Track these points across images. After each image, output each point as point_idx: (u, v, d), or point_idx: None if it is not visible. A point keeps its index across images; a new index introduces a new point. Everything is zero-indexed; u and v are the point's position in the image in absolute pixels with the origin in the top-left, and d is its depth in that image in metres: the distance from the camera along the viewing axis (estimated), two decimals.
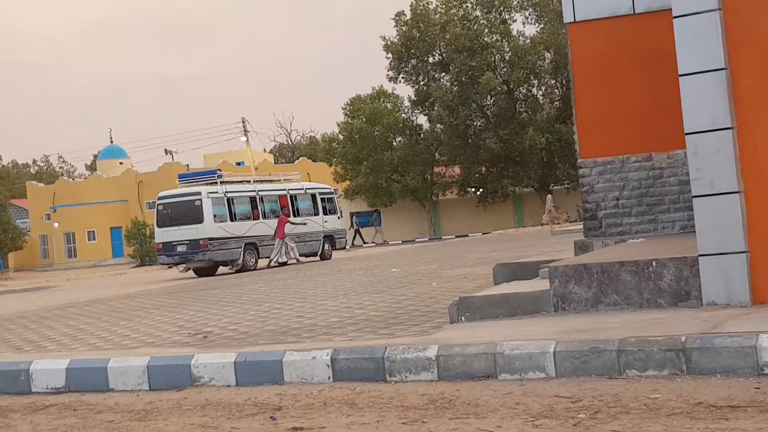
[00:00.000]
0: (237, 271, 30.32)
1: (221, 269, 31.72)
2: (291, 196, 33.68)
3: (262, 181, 34.32)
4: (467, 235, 55.03)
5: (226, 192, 31.05)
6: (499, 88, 55.89)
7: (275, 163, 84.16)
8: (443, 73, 59.32)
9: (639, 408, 6.68)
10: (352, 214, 59.80)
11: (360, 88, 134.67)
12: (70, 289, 32.17)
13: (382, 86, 63.73)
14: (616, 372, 7.39)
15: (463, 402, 7.48)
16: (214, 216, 30.25)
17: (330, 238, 34.64)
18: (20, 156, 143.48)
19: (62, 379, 9.78)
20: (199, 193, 30.33)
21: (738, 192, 8.39)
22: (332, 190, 36.94)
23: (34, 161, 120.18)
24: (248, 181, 33.66)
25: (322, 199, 34.93)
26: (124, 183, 78.99)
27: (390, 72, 59.75)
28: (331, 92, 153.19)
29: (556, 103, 58.93)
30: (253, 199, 32.08)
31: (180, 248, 30.22)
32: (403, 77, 59.79)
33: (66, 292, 30.15)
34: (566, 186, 58.86)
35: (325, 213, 34.77)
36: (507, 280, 13.49)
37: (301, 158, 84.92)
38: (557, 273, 9.21)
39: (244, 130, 64.39)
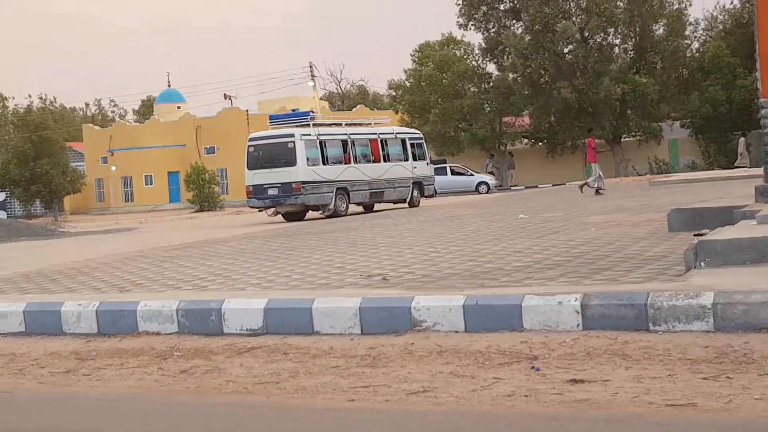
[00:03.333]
0: (327, 217, 29.62)
1: (309, 215, 31.03)
2: (381, 141, 32.83)
3: (353, 125, 33.45)
4: (537, 186, 54.15)
5: (318, 134, 30.24)
6: (575, 37, 54.59)
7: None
8: (514, 21, 58.05)
9: None
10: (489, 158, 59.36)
11: (411, 40, 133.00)
12: (156, 232, 31.64)
13: (450, 33, 62.58)
14: None
15: (764, 356, 6.72)
16: (307, 159, 29.46)
17: (419, 185, 33.81)
18: (70, 99, 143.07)
19: (259, 320, 9.12)
20: (292, 135, 29.52)
21: None
22: (422, 136, 36.04)
23: (87, 105, 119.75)
24: (339, 124, 32.81)
25: (412, 145, 34.03)
26: (181, 127, 78.38)
27: (460, 19, 58.53)
28: (381, 42, 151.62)
29: (630, 53, 57.57)
30: (344, 143, 31.24)
31: (271, 191, 29.47)
32: (473, 24, 58.57)
33: (154, 234, 29.60)
34: (638, 138, 57.65)
35: (414, 159, 33.89)
36: (684, 227, 12.75)
37: (358, 106, 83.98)
38: None
39: (312, 75, 63.47)
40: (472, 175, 54.09)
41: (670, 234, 12.85)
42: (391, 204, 33.45)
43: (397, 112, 63.32)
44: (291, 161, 29.16)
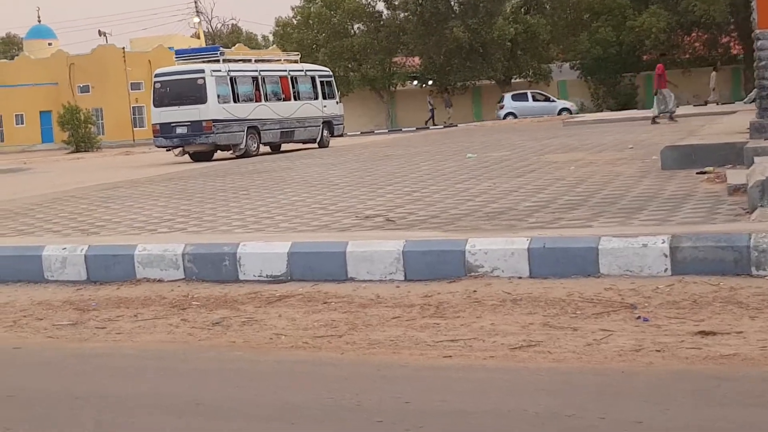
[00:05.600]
0: (238, 157, 28.39)
1: (217, 155, 29.70)
2: (292, 78, 31.57)
3: (263, 61, 32.08)
4: (428, 128, 53.60)
5: (229, 71, 28.85)
6: None
7: None
8: None
9: None
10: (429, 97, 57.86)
11: None
12: (55, 173, 29.91)
13: None
14: None
15: None
16: (218, 96, 28.07)
17: (329, 124, 32.71)
18: None
19: (283, 265, 8.21)
20: (202, 71, 28.05)
21: None
22: (331, 74, 34.86)
23: None
24: (249, 60, 31.39)
25: (321, 83, 32.87)
26: (53, 65, 75.35)
27: None
28: None
29: None
30: (255, 80, 29.92)
31: (180, 130, 28.03)
32: None
33: (56, 175, 27.93)
34: (529, 79, 57.56)
35: (324, 97, 32.74)
36: (679, 164, 12.27)
37: (237, 44, 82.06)
38: None
39: (197, 11, 61.39)
40: (554, 101, 52.46)
41: (668, 172, 12.33)
42: (300, 144, 32.31)
43: (284, 50, 61.84)
44: (201, 98, 27.76)
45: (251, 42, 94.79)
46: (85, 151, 58.82)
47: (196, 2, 61.93)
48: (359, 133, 54.12)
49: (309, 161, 22.20)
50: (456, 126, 49.53)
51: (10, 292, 8.87)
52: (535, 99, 52.03)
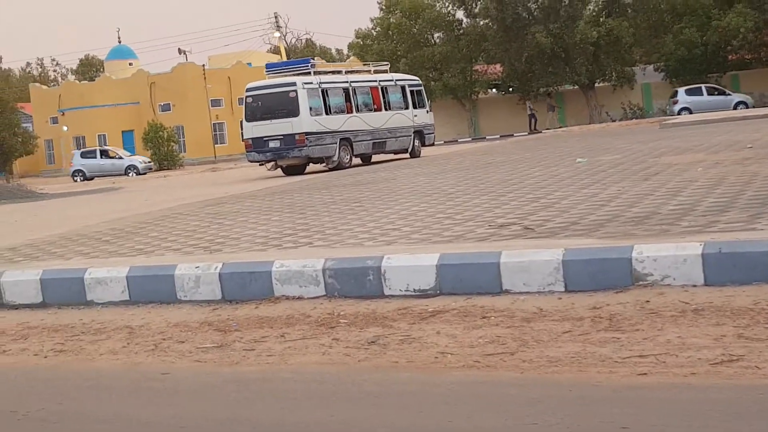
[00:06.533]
0: (331, 169, 28.13)
1: (309, 168, 29.47)
2: (382, 88, 31.24)
3: (353, 72, 31.83)
4: (513, 135, 53.02)
5: (320, 83, 28.61)
6: None
7: None
8: None
9: None
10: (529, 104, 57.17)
11: None
12: (147, 190, 29.94)
13: None
14: None
15: None
16: (310, 109, 27.84)
17: (420, 134, 32.32)
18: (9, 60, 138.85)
19: (431, 278, 7.77)
20: (293, 84, 27.85)
21: None
22: (420, 83, 34.48)
23: (28, 64, 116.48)
24: (340, 72, 31.15)
25: (411, 92, 32.49)
26: (134, 84, 76.21)
27: None
28: None
29: None
30: (346, 91, 29.66)
31: (273, 144, 27.85)
32: None
33: (149, 192, 27.93)
34: (613, 83, 56.66)
35: (414, 106, 32.36)
36: None
37: (316, 57, 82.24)
38: None
39: (277, 26, 61.39)
40: (729, 94, 51.30)
41: None
42: (391, 155, 31.96)
43: (363, 62, 61.74)
44: (293, 111, 27.56)
45: (326, 55, 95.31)
46: (168, 168, 59.33)
47: (276, 17, 61.74)
48: (443, 142, 53.74)
49: (409, 171, 21.80)
50: (541, 132, 48.88)
51: (143, 314, 8.56)
52: (710, 93, 50.52)
